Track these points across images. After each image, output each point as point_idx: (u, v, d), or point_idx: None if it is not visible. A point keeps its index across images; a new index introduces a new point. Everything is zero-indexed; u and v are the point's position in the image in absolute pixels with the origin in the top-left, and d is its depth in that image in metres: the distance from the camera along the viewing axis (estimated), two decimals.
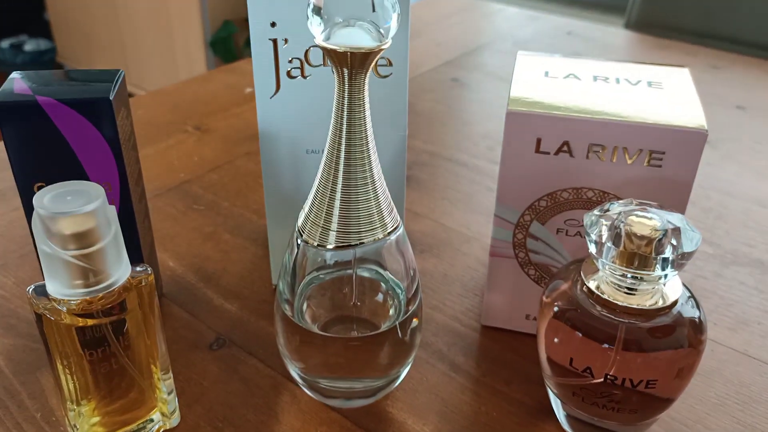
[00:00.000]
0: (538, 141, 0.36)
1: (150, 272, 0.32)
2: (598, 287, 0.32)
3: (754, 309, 0.45)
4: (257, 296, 0.46)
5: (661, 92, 0.37)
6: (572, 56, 0.43)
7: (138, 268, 0.32)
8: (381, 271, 0.36)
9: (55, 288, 0.30)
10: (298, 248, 0.34)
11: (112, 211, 0.30)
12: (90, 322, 0.31)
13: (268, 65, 0.39)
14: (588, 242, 0.31)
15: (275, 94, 0.39)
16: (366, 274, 0.36)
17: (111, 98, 0.35)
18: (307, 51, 0.38)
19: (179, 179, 0.59)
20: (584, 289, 0.32)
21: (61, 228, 0.29)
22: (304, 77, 0.39)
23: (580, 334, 0.32)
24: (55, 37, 2.54)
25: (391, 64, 0.39)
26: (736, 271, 0.48)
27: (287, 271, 0.35)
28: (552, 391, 0.35)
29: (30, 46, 2.71)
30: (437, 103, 0.73)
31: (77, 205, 0.29)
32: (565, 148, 0.36)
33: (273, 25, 0.37)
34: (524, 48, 0.88)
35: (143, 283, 0.32)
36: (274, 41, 0.38)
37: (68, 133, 0.35)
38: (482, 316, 0.43)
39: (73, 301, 0.30)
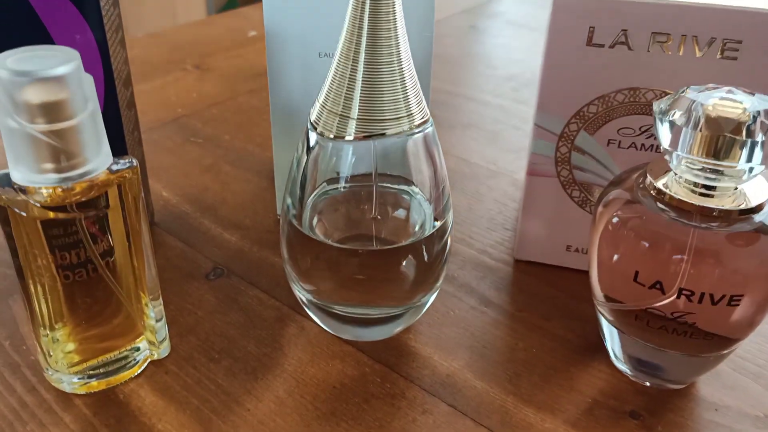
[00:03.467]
0: (591, 31, 0.31)
1: (135, 165, 0.27)
2: (667, 188, 0.27)
3: None
4: (260, 226, 0.41)
5: None
6: None
7: (120, 161, 0.27)
8: (405, 178, 0.31)
9: (21, 174, 0.25)
10: (308, 150, 0.29)
11: (89, 82, 0.25)
12: (61, 215, 0.26)
13: None
14: (657, 134, 0.26)
15: None
16: (388, 185, 0.31)
17: None
18: None
19: (176, 114, 0.54)
20: (651, 191, 0.27)
21: (28, 96, 0.24)
22: None
23: (647, 244, 0.27)
24: None
25: None
26: None
27: (295, 182, 0.30)
28: (606, 318, 0.30)
29: None
30: (455, 48, 0.68)
31: (47, 66, 0.24)
32: (622, 38, 0.31)
33: None
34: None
35: (127, 177, 0.27)
36: None
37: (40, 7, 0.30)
38: (515, 249, 0.38)
39: (45, 191, 0.25)
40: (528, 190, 0.36)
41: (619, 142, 0.33)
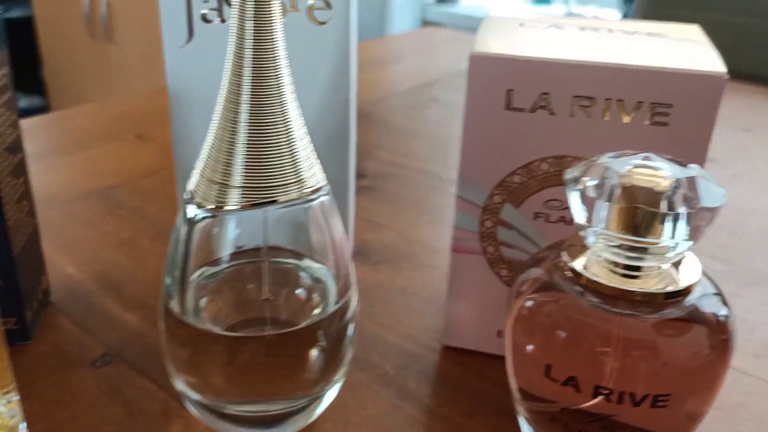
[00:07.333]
0: (509, 94, 0.28)
1: None
2: (585, 268, 0.24)
3: None
4: None
5: (665, 40, 0.30)
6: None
7: None
8: (302, 253, 0.28)
9: None
10: (188, 224, 0.26)
11: None
12: None
13: (177, 6, 0.31)
14: (571, 206, 0.23)
15: (187, 42, 0.32)
16: (283, 260, 0.28)
17: None
18: None
19: (105, 184, 0.51)
20: (567, 273, 0.24)
21: None
22: (223, 21, 0.32)
23: (564, 334, 0.23)
24: (49, 94, 2.50)
25: (330, 7, 0.31)
26: (758, 291, 0.40)
27: (175, 260, 0.27)
28: (525, 418, 0.26)
29: (24, 102, 2.69)
30: (412, 119, 0.66)
31: None
32: (543, 102, 0.28)
33: None
34: None
35: None
36: None
37: None
38: (442, 335, 0.34)
39: None
40: (453, 269, 0.32)
41: (548, 215, 0.30)
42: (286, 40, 0.31)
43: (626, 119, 0.27)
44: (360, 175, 0.53)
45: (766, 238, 0.46)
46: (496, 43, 0.29)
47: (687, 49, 0.29)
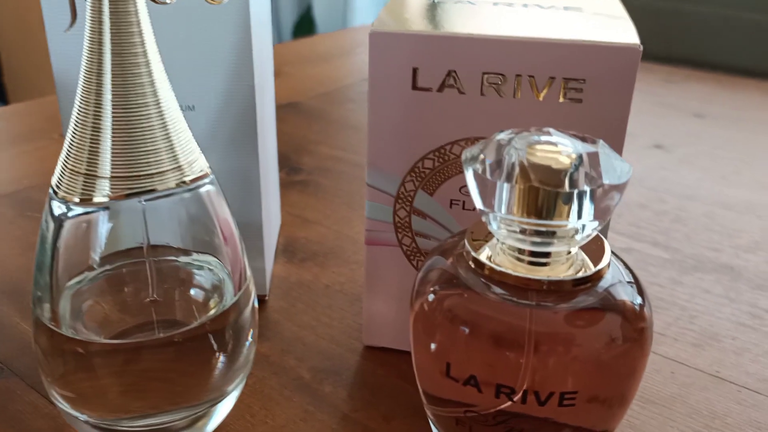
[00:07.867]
0: (415, 72, 0.26)
1: None
2: (490, 258, 0.22)
3: (725, 321, 0.34)
4: None
5: (579, 14, 0.28)
6: None
7: None
8: (187, 249, 0.25)
9: None
10: (55, 221, 0.23)
11: None
12: None
13: None
14: (470, 189, 0.21)
15: (71, 25, 0.29)
16: (166, 258, 0.25)
17: None
18: None
19: (21, 185, 0.48)
20: (470, 263, 0.22)
21: None
22: None
23: (466, 330, 0.21)
24: (9, 100, 2.44)
25: None
26: (699, 278, 0.38)
27: (43, 266, 0.24)
28: (432, 422, 0.24)
29: None
30: (355, 113, 0.64)
31: None
32: (451, 81, 0.26)
33: None
34: None
35: None
36: None
37: None
38: (363, 333, 0.32)
39: None
40: (369, 263, 0.30)
41: (463, 202, 0.28)
42: (183, 20, 0.29)
43: (539, 96, 0.26)
44: (296, 169, 0.51)
45: (708, 224, 0.44)
46: (399, 19, 0.27)
47: (601, 22, 0.27)
